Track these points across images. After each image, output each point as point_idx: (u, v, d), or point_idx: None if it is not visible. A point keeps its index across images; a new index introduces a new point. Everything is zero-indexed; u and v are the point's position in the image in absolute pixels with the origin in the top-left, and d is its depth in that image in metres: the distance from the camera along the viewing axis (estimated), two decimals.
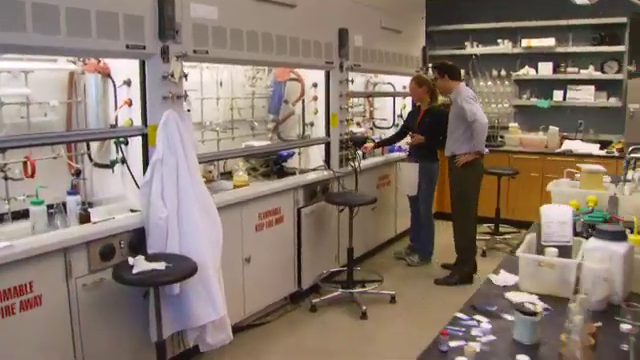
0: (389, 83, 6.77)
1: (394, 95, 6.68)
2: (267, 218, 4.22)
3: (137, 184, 3.19)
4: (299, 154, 5.04)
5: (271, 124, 5.06)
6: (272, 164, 4.79)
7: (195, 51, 3.35)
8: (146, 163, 3.17)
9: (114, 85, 3.31)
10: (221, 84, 4.41)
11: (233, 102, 4.62)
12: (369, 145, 5.74)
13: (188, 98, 3.42)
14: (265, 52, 4.01)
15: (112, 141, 3.31)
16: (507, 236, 6.58)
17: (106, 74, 3.32)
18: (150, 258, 2.85)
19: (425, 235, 5.85)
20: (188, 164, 3.12)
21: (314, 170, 5.05)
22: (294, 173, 4.89)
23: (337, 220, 5.09)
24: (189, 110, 3.42)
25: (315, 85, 5.09)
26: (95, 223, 2.97)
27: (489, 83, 7.90)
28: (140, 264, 2.72)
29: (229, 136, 4.59)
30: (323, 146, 5.10)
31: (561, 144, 7.24)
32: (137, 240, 3.07)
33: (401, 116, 6.78)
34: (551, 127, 7.33)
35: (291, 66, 4.67)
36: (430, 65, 6.85)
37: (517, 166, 6.74)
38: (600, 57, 7.26)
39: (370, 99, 6.79)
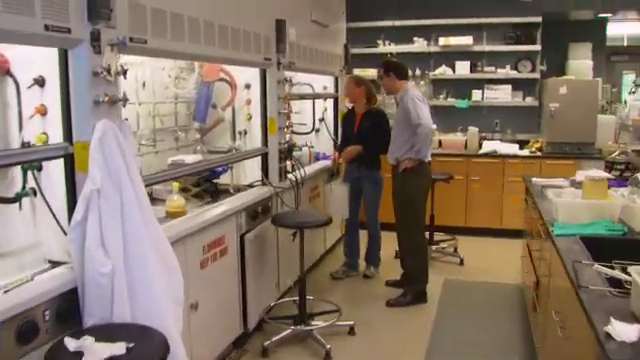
0: (308, 84, 6.11)
1: (322, 97, 6.04)
2: (212, 251, 3.40)
3: (61, 226, 2.25)
4: (231, 168, 4.23)
5: (197, 133, 4.21)
6: (203, 182, 3.96)
7: (132, 39, 2.47)
8: (73, 195, 2.25)
9: (17, 86, 2.33)
10: (144, 85, 3.50)
11: (155, 108, 3.71)
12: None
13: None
14: (207, 44, 3.18)
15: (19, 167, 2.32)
16: (443, 244, 6.20)
17: (4, 70, 2.33)
18: (100, 334, 1.95)
19: (373, 246, 5.41)
20: (137, 195, 2.24)
21: (251, 186, 4.27)
22: (228, 191, 4.09)
23: (276, 242, 4.36)
24: (126, 119, 2.51)
25: (248, 86, 4.31)
26: (3, 291, 2.01)
27: None
28: (90, 350, 1.82)
29: (152, 151, 3.68)
30: (259, 158, 4.33)
31: (480, 145, 7.04)
32: (68, 308, 2.14)
33: (322, 120, 6.18)
34: (470, 127, 7.11)
35: (233, 62, 3.84)
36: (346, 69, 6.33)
37: (440, 169, 6.39)
38: (514, 56, 7.15)
39: (288, 102, 6.09)
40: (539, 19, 6.86)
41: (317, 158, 5.87)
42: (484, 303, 4.84)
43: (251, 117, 4.33)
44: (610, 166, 4.43)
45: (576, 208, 3.16)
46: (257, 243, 3.99)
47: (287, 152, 4.55)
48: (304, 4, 4.91)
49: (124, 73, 2.36)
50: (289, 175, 4.52)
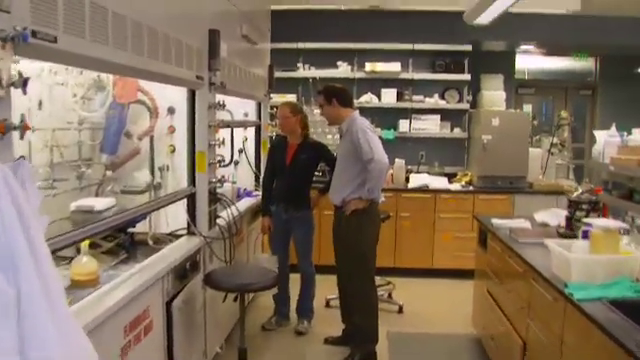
0: (227, 110, 5.31)
1: (247, 125, 5.26)
2: (134, 330, 2.50)
3: None
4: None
5: (106, 168, 3.28)
6: (116, 232, 3.04)
7: (35, 34, 1.59)
8: None
9: None
10: (40, 105, 2.56)
11: (53, 136, 2.77)
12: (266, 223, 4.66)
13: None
14: (135, 52, 2.33)
15: None
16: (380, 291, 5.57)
17: None
18: None
19: (307, 294, 4.70)
20: (44, 285, 1.37)
21: (175, 236, 3.40)
22: (147, 242, 3.20)
23: (204, 302, 3.51)
24: (23, 157, 1.59)
25: (171, 111, 3.47)
26: None
27: None
28: None
29: (49, 194, 2.71)
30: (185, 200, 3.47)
31: (407, 178, 6.57)
32: None
33: (242, 151, 5.40)
34: (397, 160, 6.62)
35: (162, 79, 2.96)
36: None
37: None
38: (442, 85, 6.81)
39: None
40: (469, 47, 6.57)
41: (239, 195, 5.06)
42: None
43: (175, 149, 3.47)
44: (575, 206, 4.03)
45: (592, 265, 2.64)
46: (186, 309, 3.12)
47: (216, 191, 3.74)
48: (234, 15, 4.15)
49: (24, 84, 1.48)
50: (219, 220, 3.68)
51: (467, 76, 6.60)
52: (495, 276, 3.95)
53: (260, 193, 4.91)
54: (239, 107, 5.31)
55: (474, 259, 4.77)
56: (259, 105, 5.45)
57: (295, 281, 4.72)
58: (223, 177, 4.44)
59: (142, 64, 2.42)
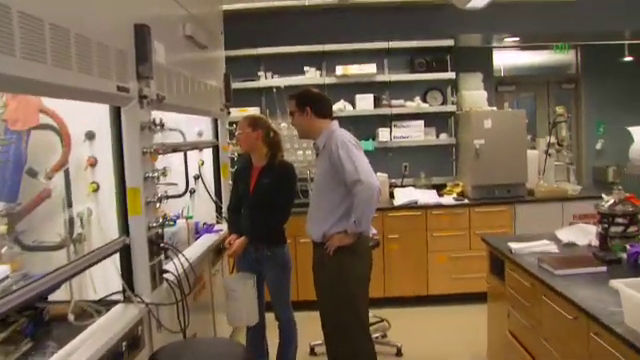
0: (176, 129, 4.45)
1: (200, 147, 4.40)
2: None
3: None
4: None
5: (2, 220, 2.38)
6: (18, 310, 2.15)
7: None
8: None
9: None
10: None
11: None
12: (233, 238, 3.71)
13: None
14: (36, 60, 1.48)
15: None
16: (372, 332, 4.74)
17: None
18: None
19: (288, 346, 3.85)
20: None
21: (105, 303, 2.52)
22: (66, 318, 2.32)
23: None
24: None
25: (90, 137, 2.59)
26: None
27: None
28: None
29: None
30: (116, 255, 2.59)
31: (391, 194, 5.78)
32: None
33: (199, 177, 4.54)
34: (379, 174, 5.76)
35: (67, 94, 2.08)
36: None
37: None
38: (422, 86, 6.05)
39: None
40: (450, 42, 5.83)
41: (197, 231, 4.20)
42: None
43: (98, 188, 2.60)
44: (608, 220, 3.27)
45: None
46: None
47: (161, 237, 2.86)
48: (173, 10, 3.29)
49: None
50: (166, 275, 2.81)
51: (451, 74, 5.86)
52: (524, 317, 3.14)
53: (224, 227, 4.08)
54: (194, 125, 4.48)
55: (484, 287, 3.99)
56: (216, 122, 4.58)
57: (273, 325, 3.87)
58: (165, 216, 3.60)
59: (44, 76, 1.57)
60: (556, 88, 7.52)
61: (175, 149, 3.53)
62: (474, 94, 6.14)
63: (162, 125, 2.69)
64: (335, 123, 3.37)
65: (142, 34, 2.51)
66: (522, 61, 7.44)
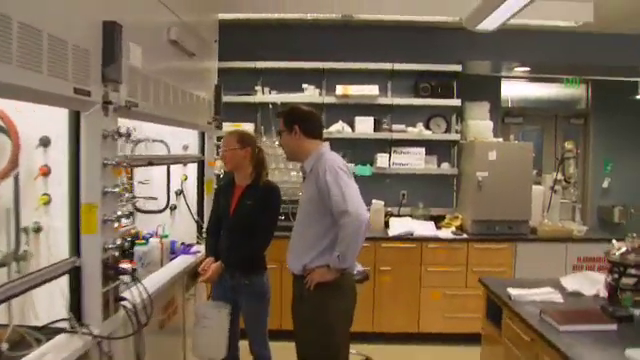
0: (161, 141, 4.18)
1: (184, 161, 4.12)
2: None
3: None
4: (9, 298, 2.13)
5: None
6: None
7: None
8: None
9: None
10: None
11: None
12: (209, 262, 3.47)
13: None
14: None
15: None
16: None
17: None
18: None
19: None
20: None
21: (46, 331, 2.21)
22: None
23: None
24: None
25: (45, 143, 2.30)
26: None
27: None
28: None
29: None
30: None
31: (386, 223, 5.48)
32: None
33: (181, 192, 4.25)
34: (375, 201, 5.52)
35: (3, 92, 1.81)
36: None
37: None
38: (426, 112, 5.78)
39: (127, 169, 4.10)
40: (458, 67, 5.57)
41: (174, 251, 3.89)
42: None
43: (50, 200, 2.30)
44: (619, 270, 2.97)
45: None
46: None
47: (123, 253, 2.57)
48: (157, 12, 3.03)
49: None
50: (124, 302, 2.50)
51: (456, 101, 5.59)
52: None
53: (203, 248, 3.79)
54: (183, 138, 4.22)
55: (479, 328, 3.68)
56: (202, 135, 4.30)
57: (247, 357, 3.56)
58: (137, 234, 3.32)
59: None
60: (564, 122, 7.24)
61: (151, 162, 3.23)
62: (480, 124, 5.85)
63: (129, 135, 2.41)
64: (325, 145, 3.10)
65: (111, 32, 2.23)
66: (530, 93, 7.16)
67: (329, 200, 2.82)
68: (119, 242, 2.38)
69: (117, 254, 2.38)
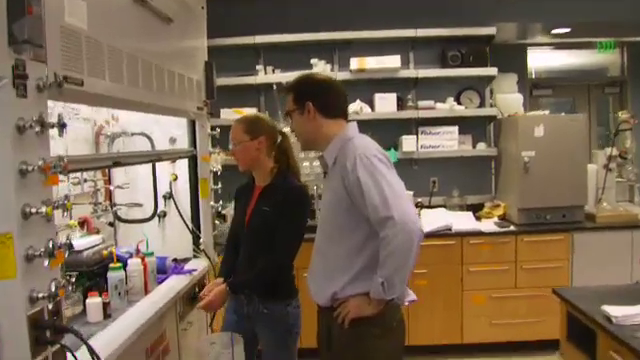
0: (142, 134, 3.42)
1: (170, 158, 3.35)
2: None
3: None
4: None
5: None
6: None
7: None
8: None
9: None
10: None
11: None
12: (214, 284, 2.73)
13: None
14: None
15: None
16: None
17: None
18: None
19: None
20: None
21: None
22: None
23: None
24: None
25: None
26: None
27: None
28: None
29: None
30: None
31: (418, 215, 4.67)
32: None
33: (170, 197, 3.49)
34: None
35: None
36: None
37: None
38: (456, 85, 4.97)
39: (105, 169, 3.35)
40: (492, 30, 4.74)
41: (164, 270, 3.12)
42: None
43: None
44: None
45: None
46: None
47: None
48: None
49: None
50: None
51: (492, 70, 4.80)
52: None
53: (200, 265, 3.04)
54: (172, 128, 3.48)
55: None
56: (193, 124, 3.51)
57: None
58: (110, 254, 2.56)
59: None
60: (598, 92, 6.46)
61: (118, 162, 2.43)
62: (508, 97, 5.14)
63: (63, 125, 1.61)
64: (352, 126, 2.30)
65: None
66: (558, 62, 6.42)
67: (363, 203, 2.03)
68: (59, 284, 1.59)
69: (54, 303, 1.59)
